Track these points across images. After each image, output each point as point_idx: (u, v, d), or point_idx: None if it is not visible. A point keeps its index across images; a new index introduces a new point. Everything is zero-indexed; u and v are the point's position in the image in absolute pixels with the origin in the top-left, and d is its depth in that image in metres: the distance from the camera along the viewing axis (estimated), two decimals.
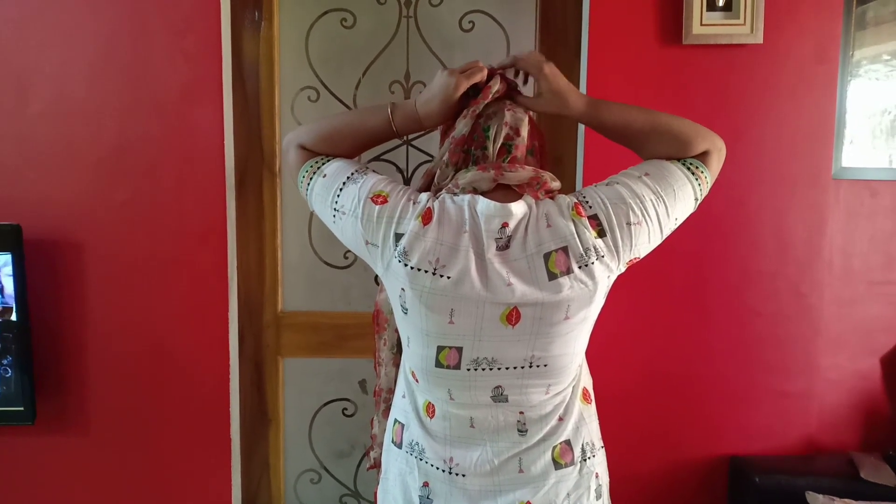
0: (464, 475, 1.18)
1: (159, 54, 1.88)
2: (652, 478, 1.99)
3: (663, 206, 1.14)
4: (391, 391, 1.39)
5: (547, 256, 1.09)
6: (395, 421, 1.29)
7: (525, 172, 1.14)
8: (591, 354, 1.27)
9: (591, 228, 1.11)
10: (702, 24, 1.82)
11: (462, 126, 1.19)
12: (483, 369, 1.14)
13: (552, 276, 1.09)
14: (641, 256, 1.16)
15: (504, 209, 1.11)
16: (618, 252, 1.12)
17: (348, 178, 1.19)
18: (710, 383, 1.97)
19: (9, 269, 1.79)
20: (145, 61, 1.88)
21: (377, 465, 1.41)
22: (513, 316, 1.11)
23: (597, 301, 1.15)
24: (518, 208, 1.12)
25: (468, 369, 1.14)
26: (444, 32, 2.00)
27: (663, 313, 1.95)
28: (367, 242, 1.16)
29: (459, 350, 1.13)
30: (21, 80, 1.87)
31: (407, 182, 2.05)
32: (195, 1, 1.86)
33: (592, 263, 1.10)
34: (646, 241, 1.14)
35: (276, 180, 2.03)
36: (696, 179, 1.17)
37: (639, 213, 1.12)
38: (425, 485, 1.21)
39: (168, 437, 1.98)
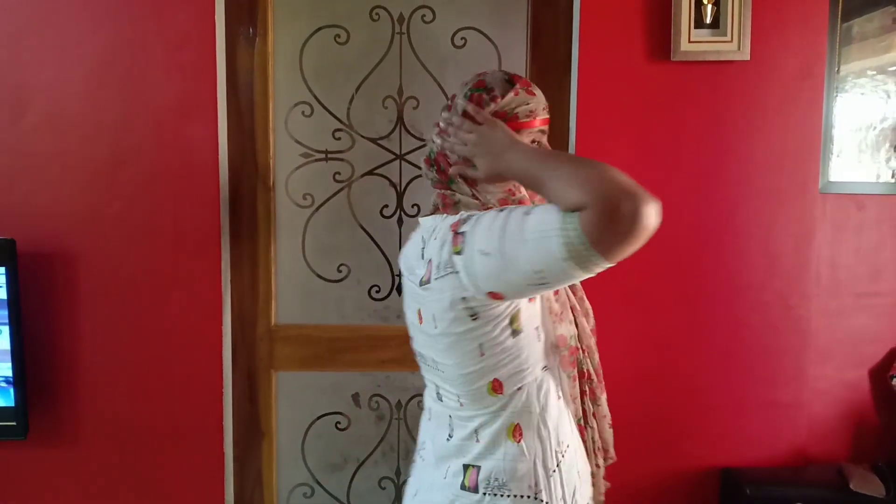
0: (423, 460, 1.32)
1: (155, 68, 1.89)
2: (644, 490, 2.00)
3: (520, 249, 1.01)
4: None
5: (428, 264, 1.17)
6: None
7: (436, 193, 1.27)
8: None
9: (454, 244, 1.10)
10: (690, 41, 1.86)
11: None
12: (424, 365, 1.29)
13: (423, 284, 1.18)
14: (505, 296, 1.08)
15: (420, 223, 1.26)
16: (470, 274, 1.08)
17: None
18: (701, 394, 1.99)
19: (2, 284, 1.79)
20: (141, 75, 1.89)
21: None
22: (419, 314, 1.21)
23: (453, 319, 1.13)
24: (427, 221, 1.24)
25: (420, 362, 1.30)
26: (436, 49, 2.02)
27: (653, 326, 1.97)
28: None
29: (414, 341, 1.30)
30: (17, 93, 1.88)
31: (400, 196, 2.06)
32: (190, 16, 1.88)
33: (444, 276, 1.12)
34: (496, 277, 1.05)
35: (270, 194, 2.04)
36: (564, 237, 0.95)
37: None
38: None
39: (161, 451, 1.97)
